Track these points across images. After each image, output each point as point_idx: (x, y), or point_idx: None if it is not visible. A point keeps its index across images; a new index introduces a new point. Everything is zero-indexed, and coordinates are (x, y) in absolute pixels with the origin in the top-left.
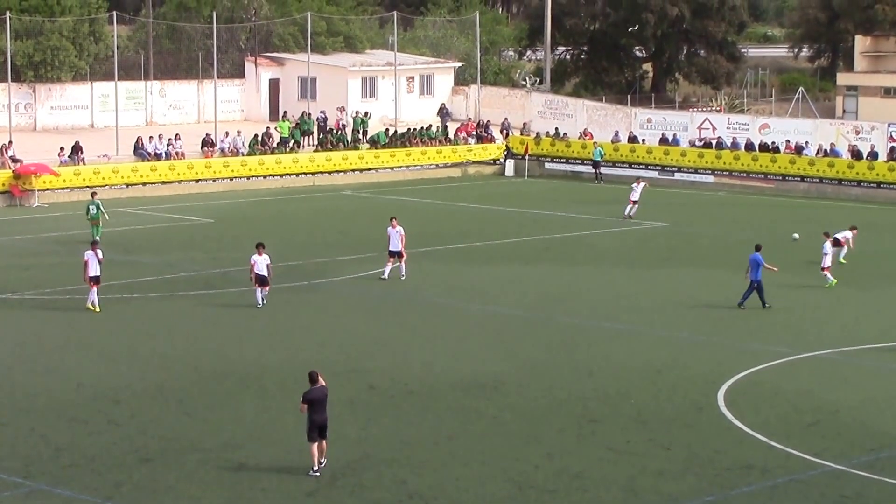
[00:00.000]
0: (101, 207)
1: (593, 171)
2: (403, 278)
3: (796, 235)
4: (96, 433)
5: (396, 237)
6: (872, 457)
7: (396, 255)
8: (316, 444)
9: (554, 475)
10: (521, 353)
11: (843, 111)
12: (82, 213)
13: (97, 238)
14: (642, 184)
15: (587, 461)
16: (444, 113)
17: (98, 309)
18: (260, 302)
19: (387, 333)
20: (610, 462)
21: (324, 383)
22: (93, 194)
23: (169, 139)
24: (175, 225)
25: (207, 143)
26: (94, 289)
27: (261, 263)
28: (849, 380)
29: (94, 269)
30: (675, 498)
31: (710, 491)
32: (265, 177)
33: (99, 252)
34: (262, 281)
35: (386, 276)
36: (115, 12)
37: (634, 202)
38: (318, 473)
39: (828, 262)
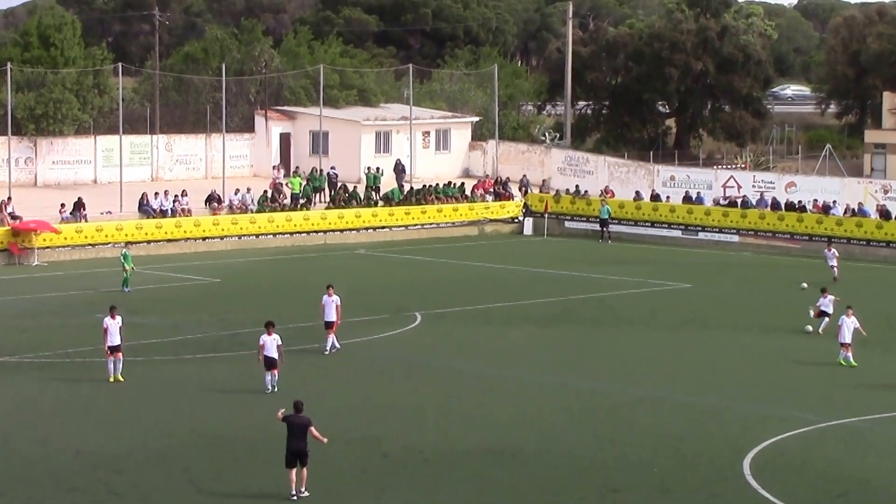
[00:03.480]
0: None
1: (600, 229)
2: (335, 350)
3: (805, 285)
4: (96, 503)
5: (332, 307)
6: None
7: (330, 326)
8: (294, 471)
9: None
10: (540, 419)
11: (872, 169)
12: (83, 272)
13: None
14: (833, 250)
15: None
16: (399, 170)
17: (121, 379)
18: (269, 387)
19: (400, 398)
20: None
21: (314, 431)
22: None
23: (175, 195)
24: (181, 285)
25: (214, 198)
26: (111, 358)
27: (270, 344)
28: (879, 449)
29: (112, 338)
30: None
31: None
32: (275, 234)
33: (118, 318)
34: (271, 364)
35: (328, 350)
36: (120, 64)
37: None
38: (295, 498)
39: (846, 336)
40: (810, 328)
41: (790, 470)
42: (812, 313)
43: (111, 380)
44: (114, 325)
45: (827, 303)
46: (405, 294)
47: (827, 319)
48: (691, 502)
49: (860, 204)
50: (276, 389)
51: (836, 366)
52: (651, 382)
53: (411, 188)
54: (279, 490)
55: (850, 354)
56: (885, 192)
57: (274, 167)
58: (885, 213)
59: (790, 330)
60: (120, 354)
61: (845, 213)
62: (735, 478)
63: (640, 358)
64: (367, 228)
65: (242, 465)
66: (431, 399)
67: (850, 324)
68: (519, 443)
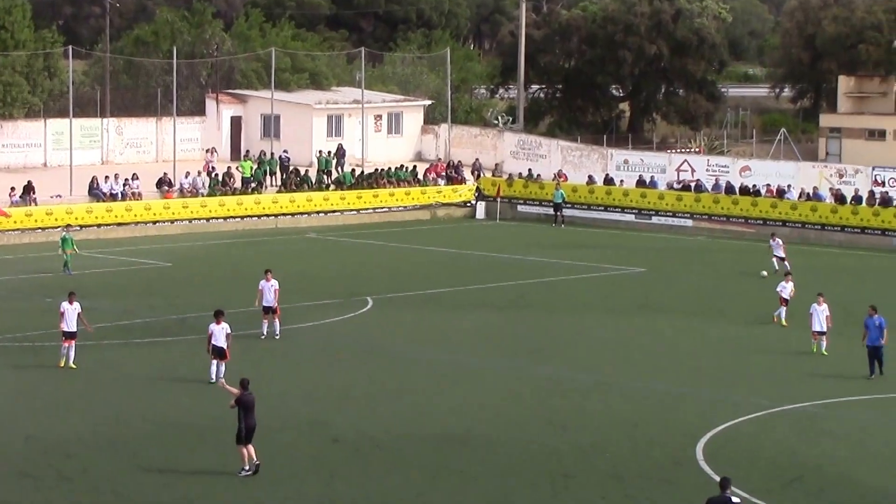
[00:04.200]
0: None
1: (553, 213)
2: (277, 337)
3: (764, 273)
4: (46, 489)
5: (271, 291)
6: None
7: (270, 311)
8: (245, 448)
9: None
10: (492, 404)
11: (826, 153)
12: (34, 255)
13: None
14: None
15: None
16: (340, 154)
17: (73, 366)
18: (213, 377)
19: (352, 384)
20: None
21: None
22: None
23: (126, 179)
24: (131, 269)
25: (165, 182)
26: (66, 344)
27: (219, 333)
28: (832, 433)
29: (68, 324)
30: None
31: None
32: (226, 218)
33: (76, 304)
34: (219, 354)
35: (265, 334)
36: (70, 47)
37: (781, 258)
38: (249, 472)
39: (817, 324)
40: (765, 273)
41: (743, 455)
42: (765, 274)
43: (61, 365)
44: (71, 310)
45: (785, 287)
46: (357, 278)
47: (784, 309)
48: (644, 488)
49: (815, 188)
50: (222, 379)
51: (789, 351)
52: (604, 368)
53: (363, 172)
54: (229, 470)
55: (822, 342)
56: (840, 176)
57: (207, 151)
58: (839, 198)
59: (744, 315)
60: (73, 342)
61: (800, 197)
62: (688, 463)
63: (593, 343)
64: (318, 212)
65: (192, 451)
66: (383, 384)
67: (820, 311)
68: (471, 428)
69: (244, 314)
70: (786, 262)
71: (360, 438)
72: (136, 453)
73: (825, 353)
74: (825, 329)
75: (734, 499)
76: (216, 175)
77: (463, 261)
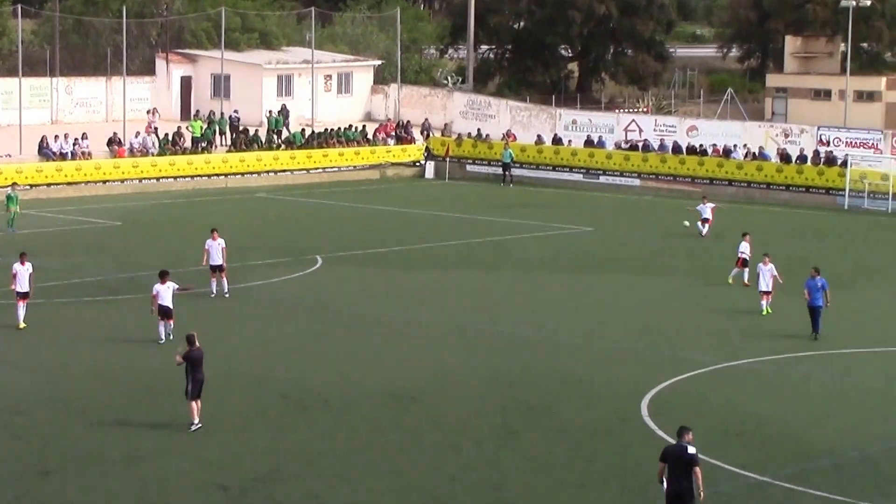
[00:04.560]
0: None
1: (501, 173)
2: (227, 295)
3: (686, 223)
4: None
5: (217, 250)
6: (798, 468)
7: (218, 269)
8: (195, 402)
9: (472, 488)
10: (440, 362)
11: (773, 113)
12: None
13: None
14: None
15: (506, 473)
16: (284, 115)
17: (24, 325)
18: (163, 337)
19: (300, 341)
20: (529, 474)
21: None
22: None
23: (75, 138)
24: (81, 228)
25: (115, 142)
26: (20, 304)
27: (164, 293)
28: (774, 389)
29: (20, 284)
30: None
31: (634, 503)
32: (176, 178)
33: (28, 265)
34: (166, 313)
35: (214, 292)
36: (19, 5)
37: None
38: (199, 426)
39: (762, 284)
40: (687, 223)
41: (687, 411)
42: (687, 224)
43: (20, 326)
44: (23, 271)
45: (745, 247)
46: (306, 237)
47: (738, 270)
48: (589, 443)
49: (761, 148)
50: (171, 338)
51: (734, 309)
52: (551, 325)
53: (313, 132)
54: (178, 425)
55: (765, 302)
56: (786, 135)
57: (148, 112)
58: (785, 157)
59: (690, 273)
60: (25, 301)
61: (746, 156)
62: (633, 419)
63: (541, 301)
64: (268, 172)
65: (141, 407)
66: (331, 341)
67: (766, 271)
68: (418, 385)
69: (195, 272)
70: (707, 225)
71: (309, 394)
72: (86, 410)
73: (769, 312)
74: (770, 289)
75: (690, 448)
76: (165, 135)
77: (412, 220)
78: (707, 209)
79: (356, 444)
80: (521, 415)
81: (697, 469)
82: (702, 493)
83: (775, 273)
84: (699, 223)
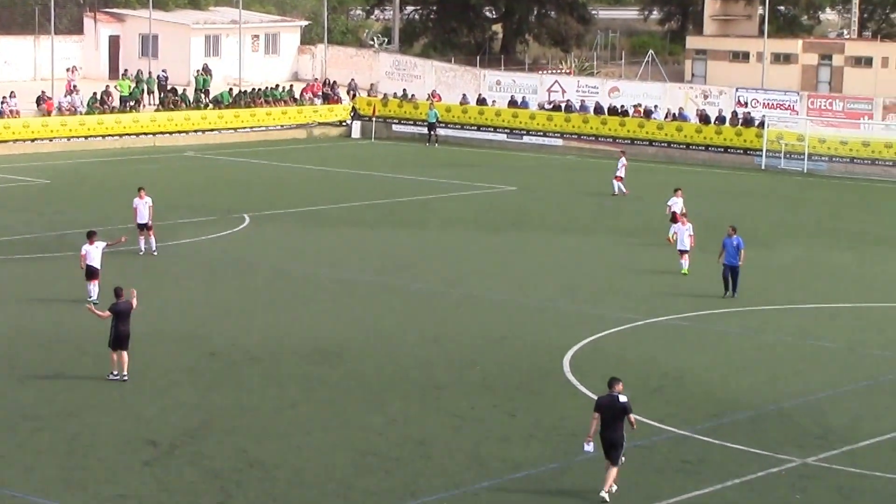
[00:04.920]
0: None
1: (427, 132)
2: (155, 253)
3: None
4: None
5: (145, 208)
6: (715, 422)
7: (145, 227)
8: (116, 353)
9: (398, 443)
10: (366, 319)
11: (692, 75)
12: None
13: None
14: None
15: (431, 428)
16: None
17: None
18: (93, 294)
19: (229, 299)
20: (454, 429)
21: (133, 302)
22: None
23: (3, 97)
24: (9, 186)
25: (43, 100)
26: None
27: (93, 253)
28: (693, 345)
29: None
30: (519, 464)
31: (555, 457)
32: (104, 137)
33: None
34: (92, 273)
35: (142, 250)
36: None
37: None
38: (118, 377)
39: (681, 243)
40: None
41: (608, 366)
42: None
43: None
44: None
45: (677, 201)
46: (234, 196)
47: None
48: (512, 398)
49: (681, 109)
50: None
51: (655, 268)
52: (475, 283)
53: (240, 91)
54: (106, 380)
55: (684, 261)
56: (705, 97)
57: (68, 70)
58: (704, 118)
59: (611, 231)
60: None
61: (666, 117)
62: (555, 374)
63: (465, 259)
64: (196, 131)
65: (70, 364)
66: (259, 299)
67: (684, 231)
68: (345, 342)
69: (123, 231)
70: (621, 184)
71: (237, 351)
72: (15, 367)
73: (686, 272)
74: (688, 248)
75: (621, 397)
76: (94, 94)
77: (338, 179)
78: (622, 167)
79: (284, 400)
80: (445, 371)
81: (632, 416)
82: (633, 426)
83: (692, 233)
84: (614, 181)
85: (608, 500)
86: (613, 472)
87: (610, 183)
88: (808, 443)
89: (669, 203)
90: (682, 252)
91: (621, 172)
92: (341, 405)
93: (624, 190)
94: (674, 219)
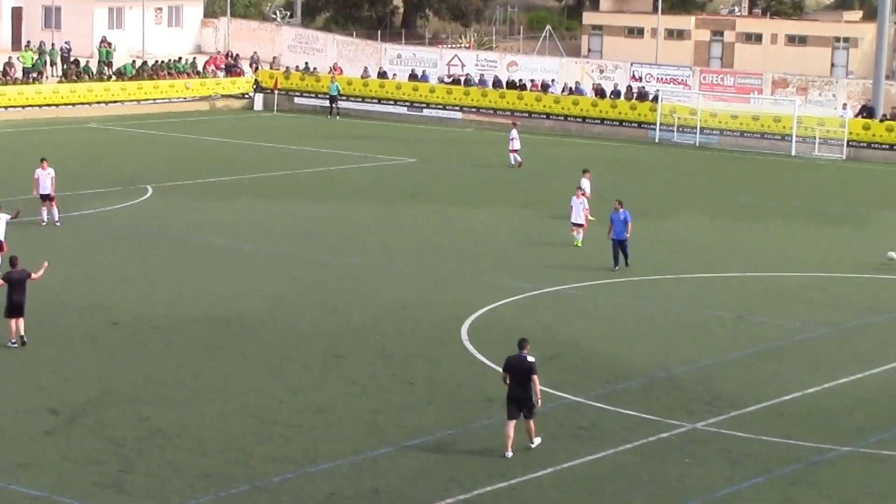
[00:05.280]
0: None
1: (328, 105)
2: (57, 223)
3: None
4: None
5: (47, 179)
6: (608, 389)
7: (48, 198)
8: (14, 321)
9: (298, 410)
10: (267, 288)
11: (589, 50)
12: None
13: None
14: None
15: (331, 396)
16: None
17: None
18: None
19: (131, 269)
20: (354, 396)
21: (35, 274)
22: None
23: None
24: None
25: None
26: None
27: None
28: (587, 314)
29: None
30: (417, 431)
31: (452, 424)
32: (6, 108)
33: None
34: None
35: (45, 220)
36: None
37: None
38: (15, 344)
39: (574, 217)
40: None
41: (505, 334)
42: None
43: None
44: None
45: (585, 183)
46: (137, 168)
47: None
48: (410, 366)
49: (577, 83)
50: None
51: (551, 240)
52: (375, 253)
53: (144, 63)
54: (6, 350)
55: (577, 234)
56: (601, 71)
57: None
58: (600, 92)
59: (509, 203)
60: None
61: (563, 91)
62: (453, 343)
63: (366, 230)
64: (99, 103)
65: None
66: (162, 269)
67: (578, 204)
68: (247, 311)
69: (24, 201)
70: (516, 155)
71: (139, 321)
72: None
73: (578, 244)
74: (582, 221)
75: (529, 357)
76: None
77: (241, 151)
78: (514, 139)
79: (185, 369)
80: (345, 339)
81: (535, 377)
82: (539, 400)
83: (587, 206)
84: (510, 153)
85: (534, 445)
86: (531, 423)
87: (506, 155)
88: (698, 408)
89: (581, 185)
90: (576, 225)
91: (515, 144)
92: (242, 373)
93: (519, 160)
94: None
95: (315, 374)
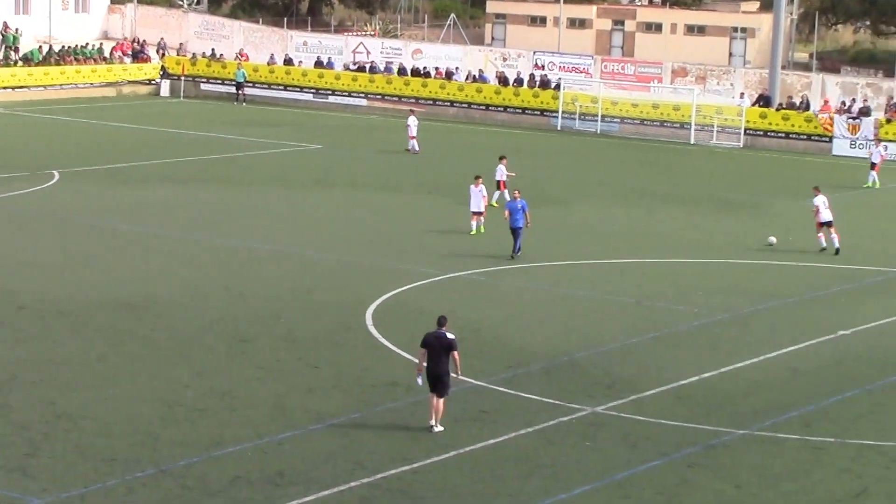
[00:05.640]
0: None
1: (235, 92)
2: None
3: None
4: None
5: None
6: (510, 373)
7: None
8: None
9: (203, 394)
10: (174, 273)
11: (492, 38)
12: None
13: None
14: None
15: (237, 380)
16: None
17: None
18: None
19: (38, 254)
20: (259, 380)
21: None
22: None
23: None
24: None
25: None
26: None
27: None
28: (490, 299)
29: None
30: (322, 415)
31: (357, 408)
32: None
33: None
34: None
35: None
36: None
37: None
38: None
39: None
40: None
41: (409, 319)
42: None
43: None
44: None
45: (501, 170)
46: (44, 153)
47: (499, 193)
48: (316, 350)
49: (480, 71)
50: None
51: (454, 224)
52: (281, 238)
53: (50, 48)
54: None
55: (475, 223)
56: (504, 59)
57: None
58: (503, 80)
59: (415, 189)
60: None
61: (467, 79)
62: (358, 328)
63: (272, 215)
64: (5, 88)
65: None
66: (68, 254)
67: (477, 192)
68: (153, 296)
69: None
70: (415, 141)
71: (45, 306)
72: None
73: (474, 233)
74: (481, 209)
75: (448, 334)
76: None
77: (148, 136)
78: (413, 126)
79: (92, 353)
80: (251, 324)
81: (455, 353)
82: (458, 372)
83: (485, 194)
84: (410, 139)
85: (438, 429)
86: (440, 404)
87: (404, 141)
88: (598, 392)
89: (498, 173)
90: (476, 214)
91: (412, 131)
92: (148, 357)
93: (416, 147)
94: (498, 186)
95: (221, 359)
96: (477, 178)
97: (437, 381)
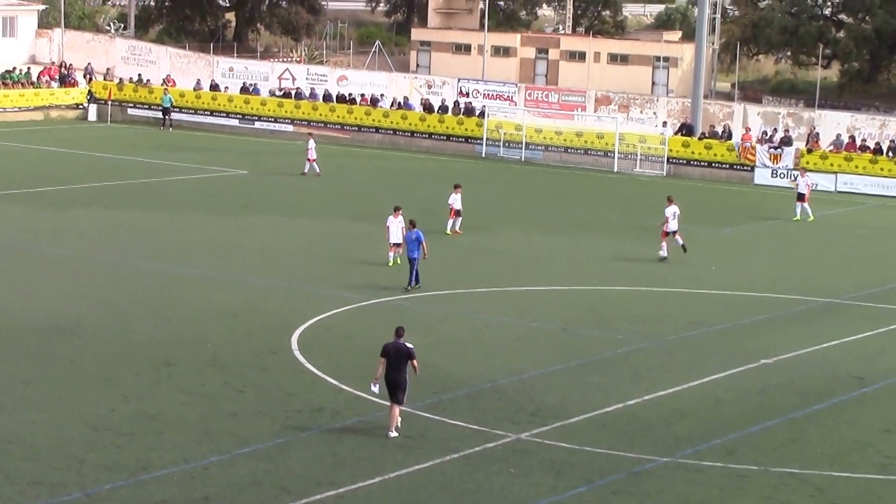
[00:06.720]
0: None
1: (161, 117)
2: None
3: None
4: None
5: None
6: (435, 399)
7: None
8: None
9: (129, 418)
10: (100, 296)
11: (417, 66)
12: None
13: None
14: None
15: (163, 404)
16: None
17: None
18: None
19: None
20: (185, 405)
21: None
22: None
23: None
24: None
25: None
26: None
27: None
28: (415, 325)
29: None
30: (247, 440)
31: (282, 433)
32: None
33: None
34: None
35: None
36: None
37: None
38: None
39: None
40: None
41: (334, 345)
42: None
43: None
44: None
45: (456, 198)
46: None
47: (453, 220)
48: (241, 374)
49: (406, 98)
50: None
51: (380, 251)
52: (207, 263)
53: None
54: None
55: (391, 254)
56: (429, 86)
57: None
58: (428, 107)
59: (340, 215)
60: None
61: (392, 105)
62: (283, 352)
63: (198, 240)
64: None
65: None
66: None
67: (396, 223)
68: (78, 319)
69: None
70: (315, 164)
71: None
72: None
73: (398, 262)
74: (400, 241)
75: (407, 343)
76: None
77: (74, 160)
78: (312, 149)
79: (17, 377)
80: (176, 347)
81: (415, 361)
82: (417, 371)
83: (403, 225)
84: (308, 161)
85: (395, 435)
86: (397, 411)
87: (329, 167)
88: (522, 419)
89: (451, 201)
90: (395, 245)
91: (312, 154)
92: (74, 381)
93: (317, 170)
94: (452, 213)
95: (146, 382)
96: (396, 210)
97: (396, 389)
